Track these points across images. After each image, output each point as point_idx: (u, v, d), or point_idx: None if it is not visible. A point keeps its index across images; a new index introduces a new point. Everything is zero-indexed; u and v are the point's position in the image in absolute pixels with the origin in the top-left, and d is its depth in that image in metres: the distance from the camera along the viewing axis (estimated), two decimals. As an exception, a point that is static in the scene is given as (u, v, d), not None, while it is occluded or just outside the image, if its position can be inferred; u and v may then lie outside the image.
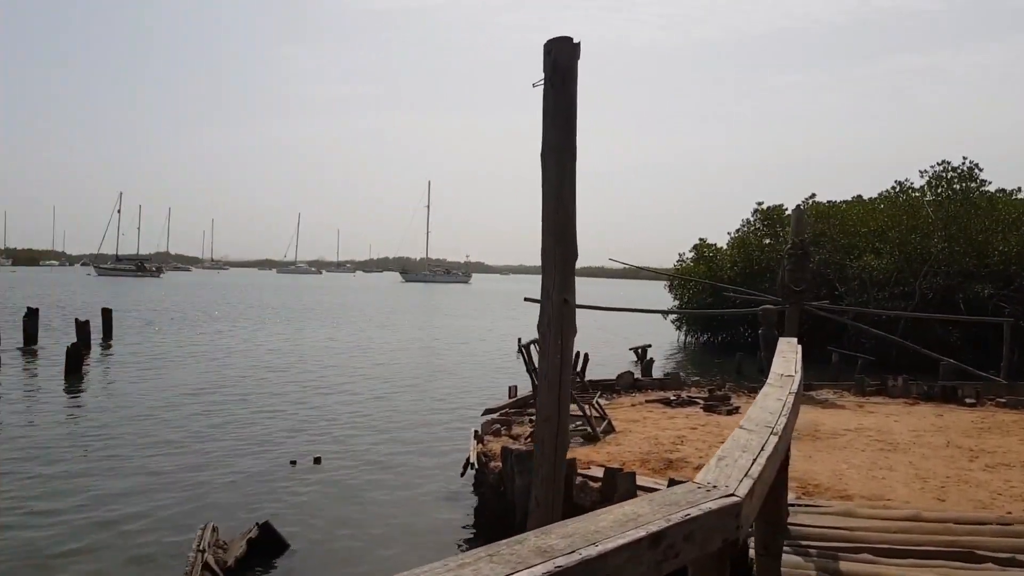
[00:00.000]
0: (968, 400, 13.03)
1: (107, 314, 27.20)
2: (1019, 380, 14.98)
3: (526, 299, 13.38)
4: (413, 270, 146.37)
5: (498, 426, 9.74)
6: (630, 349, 24.35)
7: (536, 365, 9.77)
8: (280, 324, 37.29)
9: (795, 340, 6.23)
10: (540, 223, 5.88)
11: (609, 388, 13.85)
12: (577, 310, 6.19)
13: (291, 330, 34.08)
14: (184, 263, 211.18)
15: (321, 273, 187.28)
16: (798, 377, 4.54)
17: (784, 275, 14.41)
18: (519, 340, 9.53)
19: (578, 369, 20.72)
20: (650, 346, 23.91)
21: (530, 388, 10.04)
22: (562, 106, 5.83)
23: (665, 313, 27.33)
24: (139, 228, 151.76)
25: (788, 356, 5.20)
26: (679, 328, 31.42)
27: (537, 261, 6.18)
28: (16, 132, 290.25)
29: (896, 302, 23.80)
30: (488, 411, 10.82)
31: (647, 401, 12.79)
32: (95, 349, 24.04)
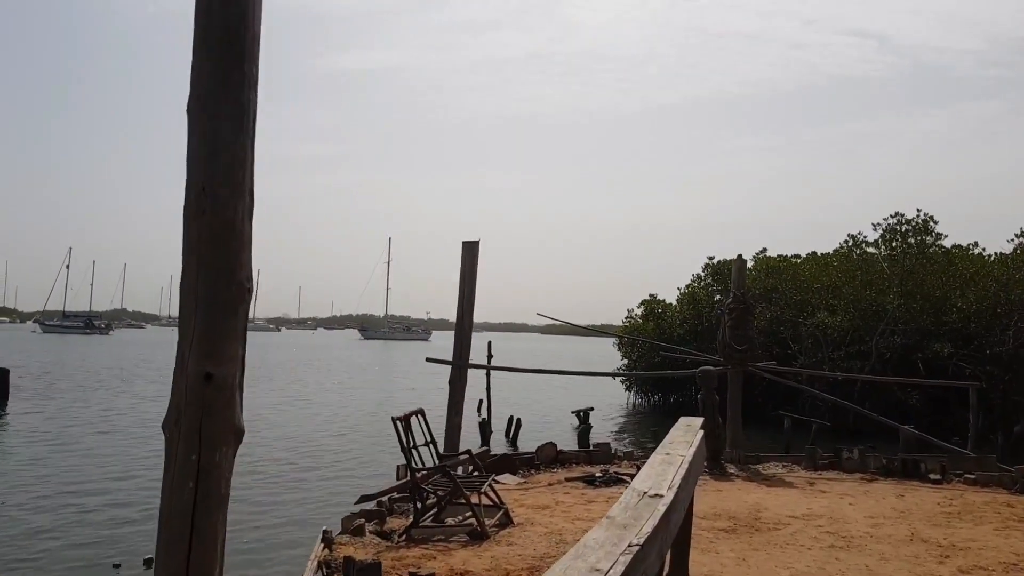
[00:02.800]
0: (932, 476, 11.45)
1: (3, 374, 24.84)
2: (986, 451, 13.51)
3: (428, 359, 11.70)
4: (373, 327, 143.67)
5: (363, 521, 7.87)
6: (572, 412, 22.59)
7: (414, 442, 8.00)
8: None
9: (696, 424, 4.56)
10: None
11: (528, 463, 12.05)
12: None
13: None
14: (141, 320, 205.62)
15: (280, 330, 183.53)
16: (669, 498, 2.83)
17: (724, 333, 12.86)
18: (392, 417, 7.67)
19: (508, 436, 19.16)
20: (592, 409, 22.18)
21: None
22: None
23: (593, 375, 25.88)
24: (92, 284, 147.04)
25: (668, 457, 3.50)
26: (628, 388, 29.79)
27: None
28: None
29: (852, 361, 22.44)
30: (365, 497, 8.94)
31: (567, 479, 11.01)
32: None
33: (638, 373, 24.15)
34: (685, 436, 4.13)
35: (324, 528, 7.34)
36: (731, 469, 12.17)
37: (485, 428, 18.44)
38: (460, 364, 11.19)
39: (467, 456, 8.71)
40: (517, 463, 11.68)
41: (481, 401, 19.45)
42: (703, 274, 28.93)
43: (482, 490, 7.81)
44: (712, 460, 12.16)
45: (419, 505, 7.95)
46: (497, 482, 10.97)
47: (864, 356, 22.66)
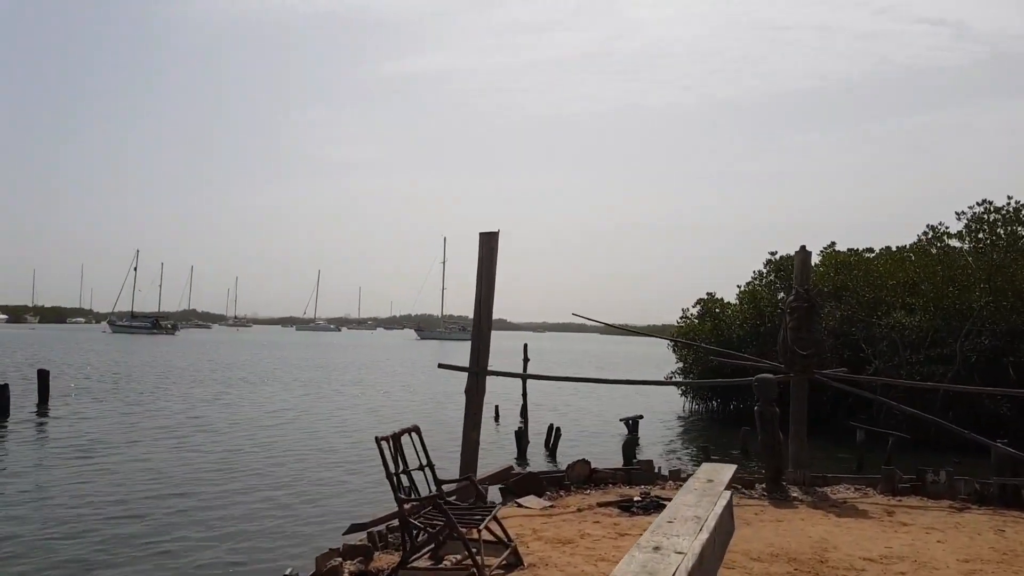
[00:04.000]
0: (1038, 506, 9.63)
1: (43, 376, 24.52)
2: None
3: (440, 365, 10.36)
4: (430, 327, 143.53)
5: (339, 561, 6.57)
6: (620, 420, 21.01)
7: (396, 467, 6.67)
8: (241, 388, 34.33)
9: (723, 475, 3.10)
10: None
11: (557, 482, 10.63)
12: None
13: (233, 397, 31.11)
14: (209, 320, 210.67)
15: (340, 330, 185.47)
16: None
17: (786, 335, 11.19)
18: (376, 437, 6.28)
19: (549, 446, 17.66)
20: (641, 417, 20.57)
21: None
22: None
23: (626, 383, 24.18)
24: (160, 286, 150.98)
25: (658, 558, 2.06)
26: (683, 393, 27.99)
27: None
28: (45, 191, 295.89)
29: (933, 366, 20.31)
30: (355, 527, 7.64)
31: (600, 504, 9.55)
32: (16, 415, 21.25)
33: (680, 382, 22.45)
34: (697, 506, 2.67)
35: (287, 572, 6.06)
36: (794, 492, 10.54)
37: (521, 438, 17.05)
38: (477, 371, 9.82)
39: (467, 482, 7.30)
40: (544, 483, 10.26)
41: (527, 407, 18.18)
42: (765, 271, 26.97)
43: (481, 527, 6.41)
44: (772, 482, 10.56)
45: (409, 542, 6.62)
46: (519, 505, 9.61)
47: (947, 360, 20.50)
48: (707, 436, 21.44)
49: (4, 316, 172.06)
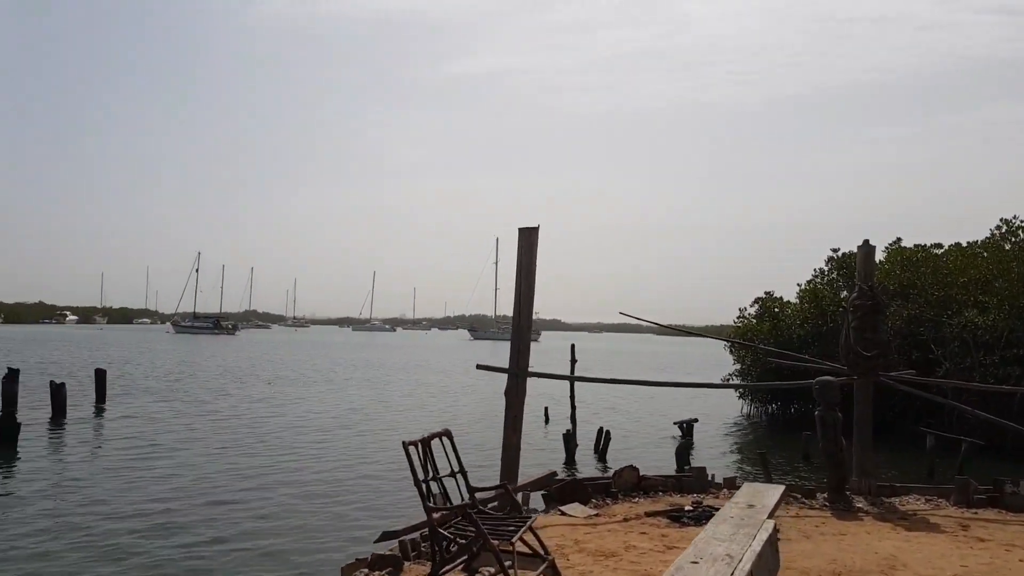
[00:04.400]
0: None
1: (100, 375, 24.95)
2: None
3: (479, 366, 9.95)
4: (483, 327, 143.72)
5: (367, 572, 6.20)
6: (674, 424, 20.34)
7: (423, 475, 6.27)
8: (296, 387, 34.51)
9: (768, 499, 2.64)
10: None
11: (604, 489, 10.12)
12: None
13: (286, 398, 31.20)
14: (268, 321, 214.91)
15: (395, 330, 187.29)
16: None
17: (848, 335, 10.48)
18: (403, 442, 5.88)
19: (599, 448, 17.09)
20: (696, 420, 19.86)
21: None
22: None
23: (674, 386, 23.32)
24: (222, 287, 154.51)
25: (708, 551, 1.64)
26: (741, 396, 27.07)
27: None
28: (112, 195, 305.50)
29: (1009, 368, 19.12)
30: (387, 534, 7.27)
31: (648, 514, 9.02)
32: (74, 413, 21.59)
33: (735, 384, 21.55)
34: (731, 540, 2.18)
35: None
36: (859, 503, 9.84)
37: (570, 441, 16.54)
38: (517, 372, 9.38)
39: (502, 490, 6.86)
40: (589, 490, 9.77)
41: (575, 409, 17.70)
42: (827, 268, 25.88)
43: (514, 539, 5.97)
44: (835, 492, 9.88)
45: (438, 553, 6.22)
46: (563, 513, 9.15)
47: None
48: (766, 441, 20.62)
49: (75, 317, 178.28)
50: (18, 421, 16.20)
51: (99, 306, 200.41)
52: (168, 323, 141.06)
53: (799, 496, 10.19)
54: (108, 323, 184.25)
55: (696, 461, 16.26)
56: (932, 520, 9.03)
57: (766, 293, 27.17)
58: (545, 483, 9.75)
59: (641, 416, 25.16)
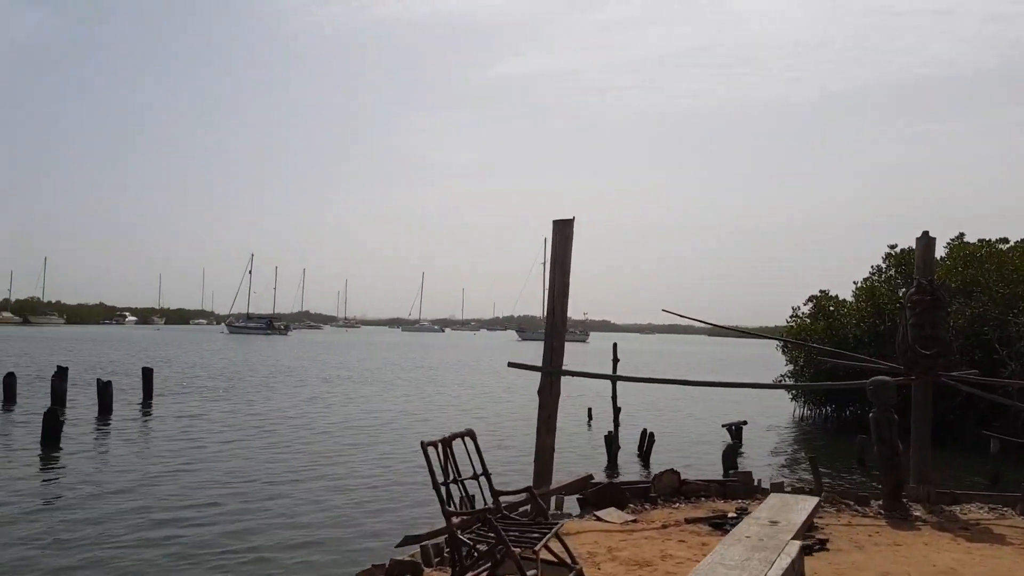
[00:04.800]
0: None
1: (147, 374, 25.28)
2: None
3: (510, 364, 9.58)
4: (531, 328, 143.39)
5: (381, 580, 5.89)
6: (723, 426, 19.69)
7: (456, 474, 5.94)
8: (346, 386, 34.58)
9: (795, 516, 2.28)
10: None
11: (642, 494, 9.68)
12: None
13: (321, 398, 31.20)
14: (320, 322, 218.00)
15: (444, 331, 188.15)
16: None
17: (906, 333, 9.86)
18: (422, 443, 5.54)
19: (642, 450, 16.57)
20: (745, 423, 19.18)
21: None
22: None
23: (713, 386, 22.58)
24: (275, 289, 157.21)
25: None
26: (794, 398, 26.18)
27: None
28: (169, 198, 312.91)
29: (1081, 369, 18.06)
30: (409, 539, 6.97)
31: (688, 520, 8.55)
32: (120, 411, 21.86)
33: (782, 384, 20.81)
34: (743, 567, 1.83)
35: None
36: (916, 511, 9.23)
37: (612, 443, 16.07)
38: (551, 371, 9.01)
39: (527, 494, 6.49)
40: (627, 495, 9.34)
41: (619, 411, 17.19)
42: (884, 265, 24.86)
43: (537, 547, 5.60)
44: (891, 499, 9.28)
45: (458, 561, 5.88)
46: (598, 519, 8.75)
47: (1096, 363, 18.23)
48: (819, 445, 19.86)
49: (133, 318, 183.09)
50: (61, 419, 16.37)
51: (157, 307, 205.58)
52: (223, 324, 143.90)
53: (851, 503, 9.61)
54: (165, 323, 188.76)
55: (744, 465, 15.66)
56: (996, 531, 8.40)
57: (821, 291, 26.27)
58: (580, 487, 9.35)
59: (688, 418, 24.54)
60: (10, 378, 23.61)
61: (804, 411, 25.76)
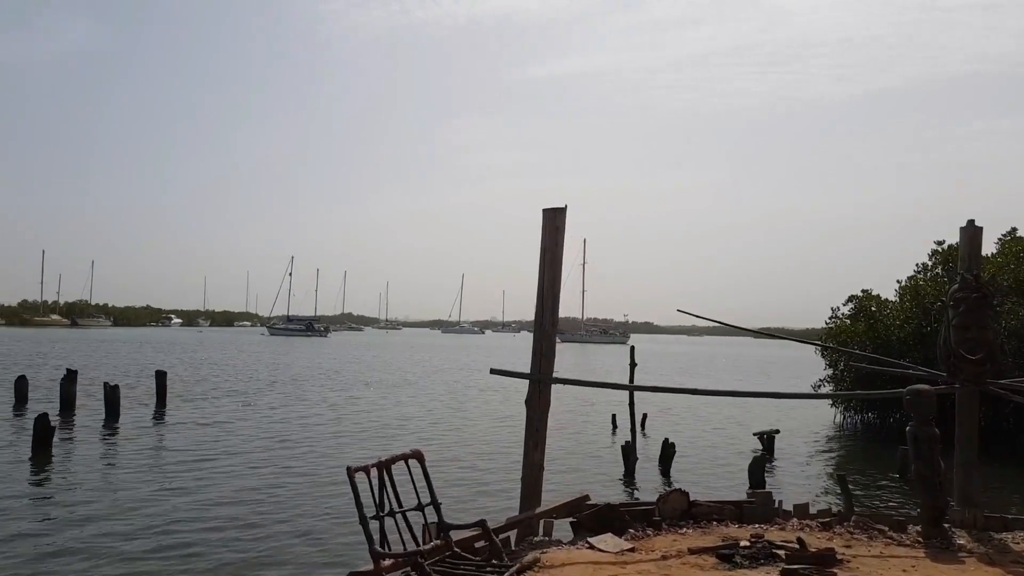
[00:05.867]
0: None
1: (160, 377, 24.80)
2: None
3: (493, 371, 8.60)
4: (570, 330, 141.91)
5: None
6: (754, 434, 18.45)
7: (394, 505, 4.98)
8: (380, 389, 33.89)
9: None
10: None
11: (645, 517, 8.60)
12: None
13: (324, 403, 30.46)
14: (363, 323, 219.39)
15: (484, 333, 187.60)
16: None
17: (948, 334, 8.67)
18: (347, 468, 4.56)
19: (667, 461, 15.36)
20: (778, 432, 17.89)
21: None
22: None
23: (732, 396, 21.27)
24: (316, 290, 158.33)
25: None
26: (834, 404, 24.71)
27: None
28: (215, 201, 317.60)
29: None
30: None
31: (692, 550, 7.47)
32: (129, 416, 21.34)
33: (810, 394, 19.41)
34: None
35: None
36: (961, 539, 8.01)
37: (629, 454, 14.96)
38: (539, 378, 8.02)
39: (478, 530, 5.51)
40: (626, 518, 8.28)
41: (646, 417, 16.13)
42: (930, 263, 23.29)
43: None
44: (930, 525, 8.08)
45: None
46: (591, 547, 7.71)
47: None
48: (858, 456, 18.51)
49: (179, 320, 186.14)
50: (52, 424, 15.79)
51: (202, 309, 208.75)
52: (264, 326, 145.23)
53: (886, 529, 8.43)
54: (210, 325, 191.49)
55: (773, 479, 14.50)
56: (1057, 564, 7.19)
57: (863, 291, 24.79)
58: (574, 508, 8.32)
59: (719, 425, 23.18)
60: (21, 381, 23.35)
61: (844, 418, 24.31)
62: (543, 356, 8.09)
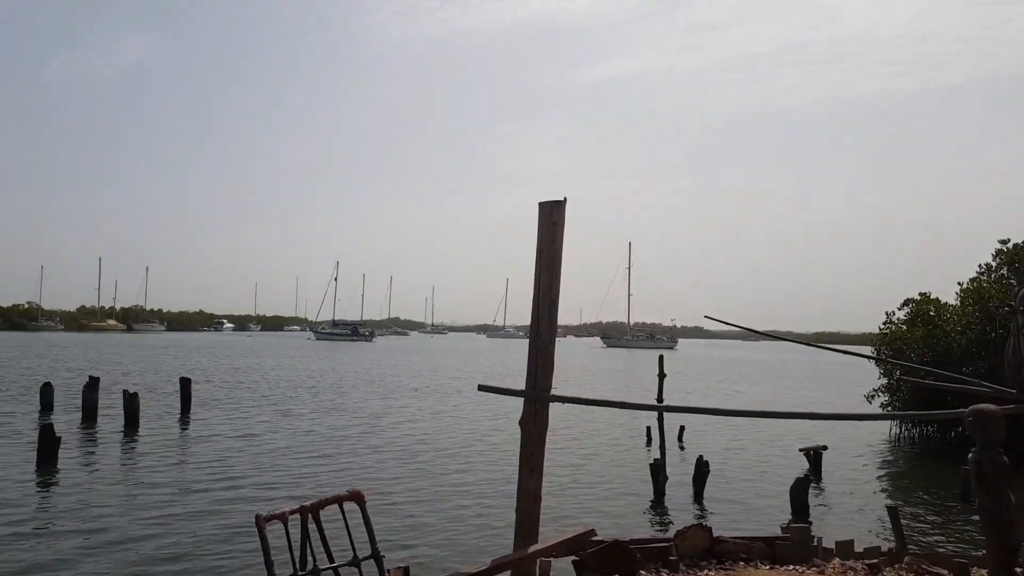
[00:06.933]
0: None
1: (185, 384, 24.30)
2: None
3: (481, 387, 7.54)
4: (617, 334, 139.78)
5: None
6: (800, 450, 17.05)
7: (317, 563, 4.00)
8: (425, 395, 33.11)
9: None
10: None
11: (661, 556, 7.49)
12: None
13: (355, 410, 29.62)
14: (409, 328, 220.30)
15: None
16: None
17: (1018, 345, 7.38)
18: (256, 516, 3.55)
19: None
20: (826, 448, 16.42)
21: None
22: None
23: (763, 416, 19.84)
24: (362, 295, 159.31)
25: None
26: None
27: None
28: (263, 206, 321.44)
29: None
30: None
31: (712, 599, 6.35)
32: (147, 426, 20.77)
33: (856, 415, 18.04)
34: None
35: None
36: (1037, 589, 6.74)
37: (658, 473, 13.74)
38: (536, 396, 6.98)
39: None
40: (637, 557, 7.18)
41: (683, 430, 14.87)
42: (995, 263, 21.52)
43: None
44: (999, 569, 6.81)
45: None
46: (593, 592, 6.64)
47: None
48: (915, 476, 16.97)
49: (230, 325, 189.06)
50: (57, 435, 15.22)
51: (253, 314, 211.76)
52: (311, 330, 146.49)
53: (945, 573, 7.19)
54: (261, 330, 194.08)
55: (816, 504, 13.16)
56: None
57: (920, 294, 23.10)
58: (578, 544, 7.25)
59: (764, 439, 21.62)
60: (47, 388, 23.10)
61: (900, 430, 22.63)
62: (540, 370, 7.04)
